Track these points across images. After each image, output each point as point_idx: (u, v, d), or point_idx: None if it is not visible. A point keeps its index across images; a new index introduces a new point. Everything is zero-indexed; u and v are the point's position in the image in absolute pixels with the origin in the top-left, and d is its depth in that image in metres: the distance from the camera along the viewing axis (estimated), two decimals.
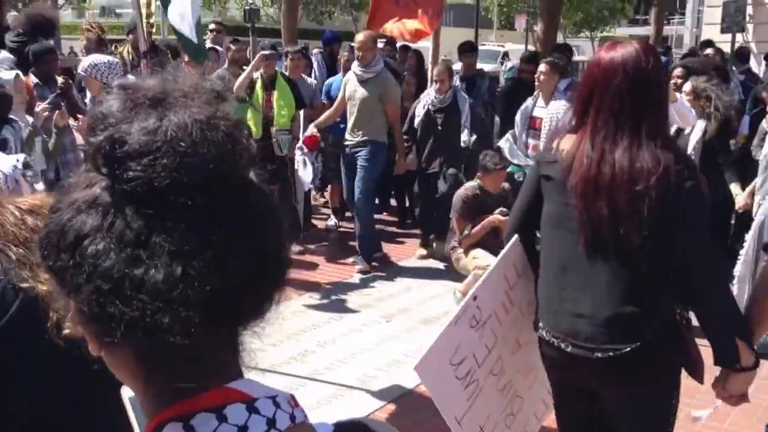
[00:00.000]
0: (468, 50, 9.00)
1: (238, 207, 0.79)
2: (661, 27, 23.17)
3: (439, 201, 7.07)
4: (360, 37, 7.03)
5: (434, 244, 7.44)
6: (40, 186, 4.79)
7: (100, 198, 0.77)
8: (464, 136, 7.08)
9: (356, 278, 6.86)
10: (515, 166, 6.84)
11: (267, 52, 7.12)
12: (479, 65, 9.80)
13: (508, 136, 6.99)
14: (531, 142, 6.86)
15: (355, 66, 7.01)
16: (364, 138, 6.93)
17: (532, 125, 6.91)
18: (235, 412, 0.80)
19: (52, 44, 6.61)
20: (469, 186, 6.24)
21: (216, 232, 0.76)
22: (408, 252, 7.70)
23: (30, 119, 5.21)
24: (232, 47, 7.92)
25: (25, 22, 6.68)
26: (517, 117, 7.04)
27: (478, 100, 8.33)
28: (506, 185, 6.29)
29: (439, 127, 7.16)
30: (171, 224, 0.75)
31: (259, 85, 7.27)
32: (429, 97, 7.25)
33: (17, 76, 5.27)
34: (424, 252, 7.52)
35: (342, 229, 8.29)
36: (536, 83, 6.86)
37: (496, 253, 5.37)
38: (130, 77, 5.39)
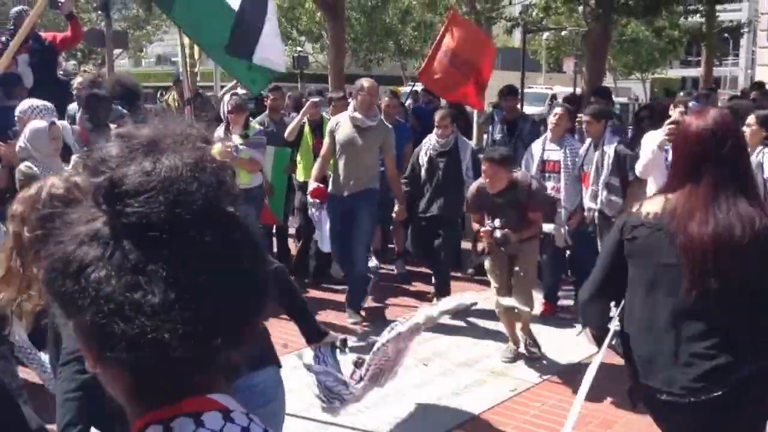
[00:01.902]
0: (509, 93, 9.04)
1: (224, 238, 0.88)
2: (711, 68, 22.83)
3: (437, 249, 7.05)
4: (365, 84, 6.70)
5: (434, 299, 6.96)
6: None
7: (101, 231, 0.86)
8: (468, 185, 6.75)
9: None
10: None
11: (316, 99, 7.31)
12: (528, 108, 9.83)
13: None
14: (550, 184, 6.81)
15: (353, 113, 6.62)
16: (365, 187, 6.63)
17: (545, 168, 6.93)
18: (211, 418, 0.88)
19: (100, 92, 6.90)
20: (478, 180, 5.97)
21: (205, 261, 0.85)
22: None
23: (66, 166, 5.38)
24: (271, 96, 8.10)
25: (112, 87, 7.05)
26: (528, 160, 7.05)
27: (520, 142, 8.33)
28: (534, 182, 5.87)
29: (440, 171, 7.12)
30: (165, 254, 0.84)
31: (307, 129, 7.41)
32: (430, 142, 7.20)
33: (52, 123, 5.45)
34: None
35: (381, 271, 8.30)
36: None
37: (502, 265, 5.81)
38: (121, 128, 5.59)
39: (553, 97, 25.16)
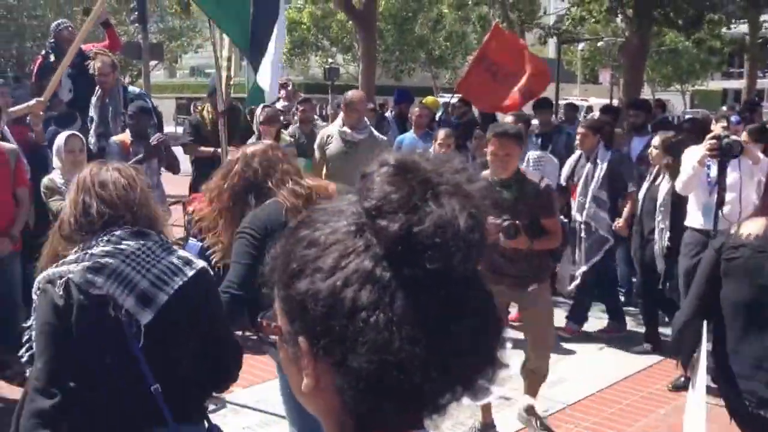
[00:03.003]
0: (543, 106, 8.89)
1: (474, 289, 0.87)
2: (755, 80, 22.42)
3: None
4: (351, 96, 6.53)
5: None
6: None
7: (377, 275, 0.82)
8: None
9: None
10: None
11: None
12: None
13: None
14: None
15: (342, 127, 6.41)
16: None
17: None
18: None
19: (146, 105, 6.96)
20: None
21: (462, 309, 0.85)
22: None
23: None
24: (301, 107, 8.09)
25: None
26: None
27: (555, 155, 8.18)
28: (546, 180, 4.70)
29: None
30: (436, 305, 0.82)
31: None
32: None
33: (71, 135, 5.46)
34: None
35: None
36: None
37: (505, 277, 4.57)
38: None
39: (589, 109, 24.87)
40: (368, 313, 0.81)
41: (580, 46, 33.67)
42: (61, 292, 2.22)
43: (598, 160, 6.60)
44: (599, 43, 30.91)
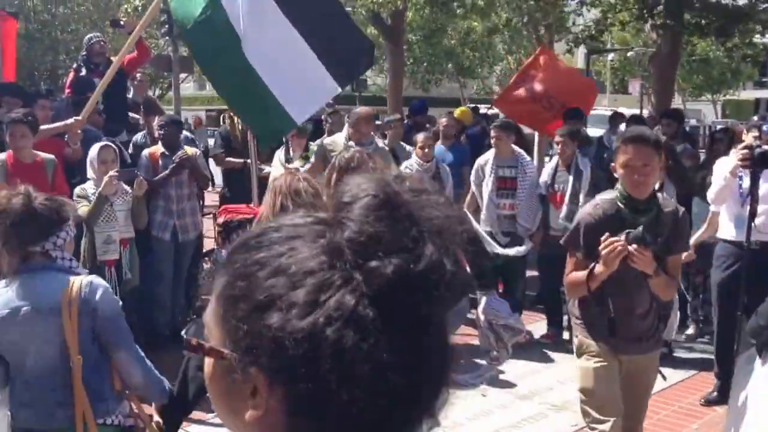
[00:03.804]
0: (573, 116, 8.82)
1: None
2: None
3: None
4: (357, 111, 6.55)
5: None
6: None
7: (359, 313, 0.77)
8: None
9: None
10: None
11: (378, 122, 7.33)
12: (590, 131, 9.65)
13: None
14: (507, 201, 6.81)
15: (349, 142, 6.34)
16: None
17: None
18: None
19: (177, 117, 7.03)
20: (600, 197, 3.78)
21: (430, 343, 0.82)
22: None
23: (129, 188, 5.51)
24: (329, 119, 8.14)
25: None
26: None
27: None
28: (681, 208, 3.70)
29: None
30: (422, 346, 0.80)
31: None
32: (412, 166, 6.82)
33: (104, 146, 5.56)
34: None
35: None
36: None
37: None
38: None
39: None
40: (352, 354, 0.76)
41: (610, 56, 33.43)
42: None
43: (581, 167, 6.70)
44: (629, 53, 30.67)
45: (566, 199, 6.70)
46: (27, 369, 2.72)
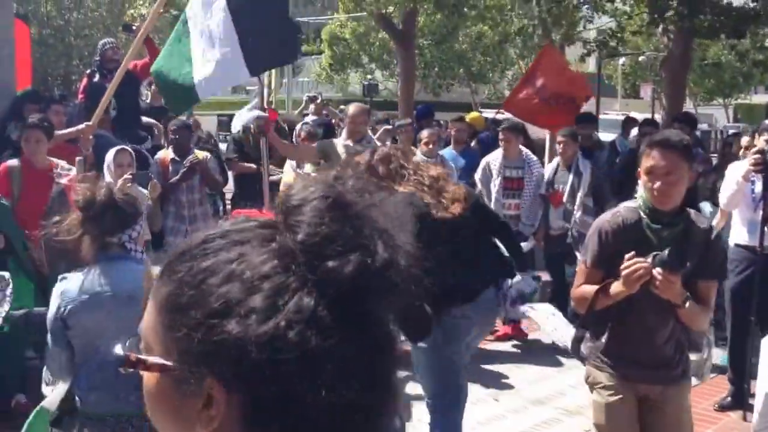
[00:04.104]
0: (585, 120, 8.83)
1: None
2: None
3: None
4: (352, 109, 6.52)
5: None
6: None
7: (319, 314, 0.77)
8: None
9: None
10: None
11: (389, 126, 7.36)
12: (601, 135, 9.64)
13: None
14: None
15: (345, 141, 6.33)
16: None
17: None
18: None
19: (187, 121, 7.05)
20: (623, 206, 3.45)
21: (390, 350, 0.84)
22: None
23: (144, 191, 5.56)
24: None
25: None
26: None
27: (597, 171, 8.12)
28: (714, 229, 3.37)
29: None
30: (378, 345, 0.82)
31: None
32: None
33: (120, 150, 5.62)
34: None
35: None
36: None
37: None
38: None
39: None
40: (314, 355, 0.76)
41: (621, 60, 33.34)
42: None
43: (581, 169, 6.87)
44: (640, 58, 30.59)
45: (564, 198, 6.89)
46: (101, 353, 2.78)
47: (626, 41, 18.08)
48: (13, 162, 5.51)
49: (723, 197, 5.43)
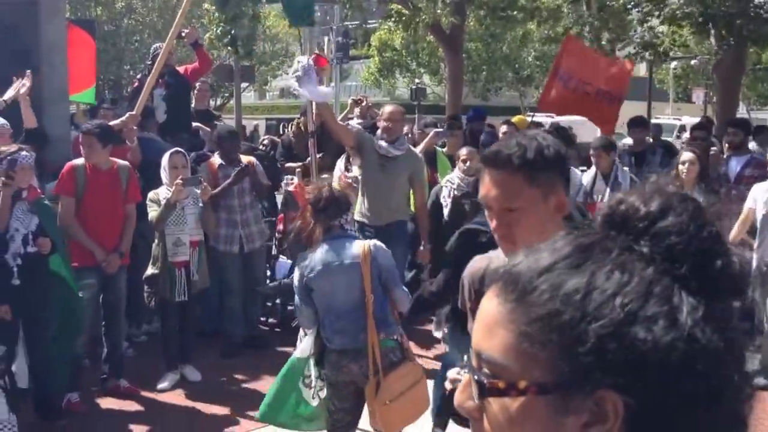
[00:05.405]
0: (638, 124, 8.69)
1: None
2: None
3: None
4: (389, 109, 6.44)
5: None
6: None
7: (713, 312, 0.79)
8: None
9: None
10: None
11: (439, 129, 7.37)
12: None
13: None
14: None
15: (379, 141, 6.19)
16: (394, 219, 6.21)
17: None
18: None
19: (234, 128, 7.11)
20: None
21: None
22: None
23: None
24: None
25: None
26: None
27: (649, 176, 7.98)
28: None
29: (467, 214, 6.06)
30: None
31: None
32: (454, 181, 6.40)
33: (174, 152, 5.73)
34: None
35: None
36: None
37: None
38: None
39: (682, 128, 24.11)
40: (718, 356, 0.78)
41: (673, 64, 32.76)
42: None
43: (620, 179, 6.69)
44: (692, 61, 30.01)
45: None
46: (336, 307, 3.79)
47: (677, 45, 17.73)
48: (79, 161, 5.60)
49: None
